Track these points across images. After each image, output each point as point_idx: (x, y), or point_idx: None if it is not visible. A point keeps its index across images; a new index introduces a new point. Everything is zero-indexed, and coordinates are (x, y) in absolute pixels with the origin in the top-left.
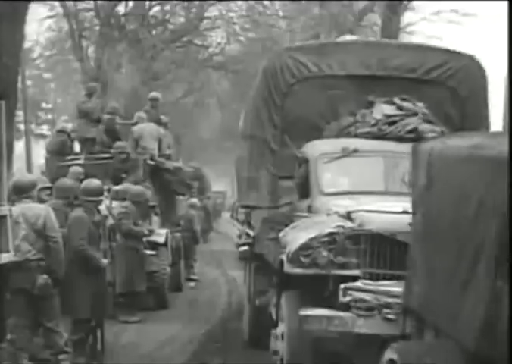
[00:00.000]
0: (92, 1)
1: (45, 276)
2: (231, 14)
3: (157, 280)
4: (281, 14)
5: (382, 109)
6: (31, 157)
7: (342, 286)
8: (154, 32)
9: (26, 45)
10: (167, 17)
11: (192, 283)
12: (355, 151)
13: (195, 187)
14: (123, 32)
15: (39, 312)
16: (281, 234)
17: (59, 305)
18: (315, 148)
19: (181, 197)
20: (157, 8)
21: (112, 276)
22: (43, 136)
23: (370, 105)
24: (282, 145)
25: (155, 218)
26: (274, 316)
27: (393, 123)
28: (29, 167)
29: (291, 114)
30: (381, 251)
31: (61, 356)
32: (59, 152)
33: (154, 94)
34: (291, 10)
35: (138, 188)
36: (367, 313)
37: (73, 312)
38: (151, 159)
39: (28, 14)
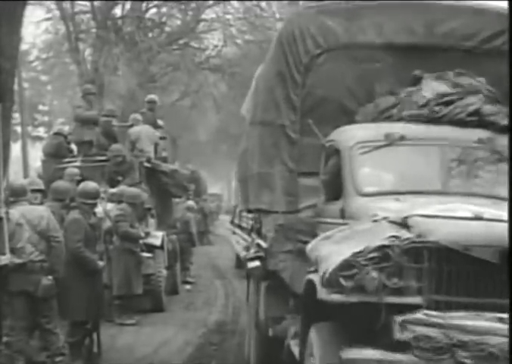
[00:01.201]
0: (88, 4)
1: (50, 277)
2: (228, 17)
3: (154, 283)
4: (278, 16)
5: (433, 87)
6: (28, 159)
7: (399, 318)
8: (150, 34)
9: (23, 47)
10: (164, 19)
11: (188, 286)
12: (402, 138)
13: (191, 190)
14: (120, 34)
15: (39, 314)
16: (309, 247)
17: (57, 307)
18: (349, 135)
19: (177, 199)
20: (153, 11)
21: (108, 278)
22: (40, 138)
23: (417, 81)
24: (302, 132)
25: (151, 221)
26: (296, 353)
27: (449, 103)
28: (25, 170)
29: (315, 93)
30: (451, 271)
31: (58, 359)
32: (55, 154)
33: (151, 96)
34: (288, 13)
35: (133, 190)
36: (435, 356)
37: (69, 314)
38: (148, 162)
39: (25, 17)
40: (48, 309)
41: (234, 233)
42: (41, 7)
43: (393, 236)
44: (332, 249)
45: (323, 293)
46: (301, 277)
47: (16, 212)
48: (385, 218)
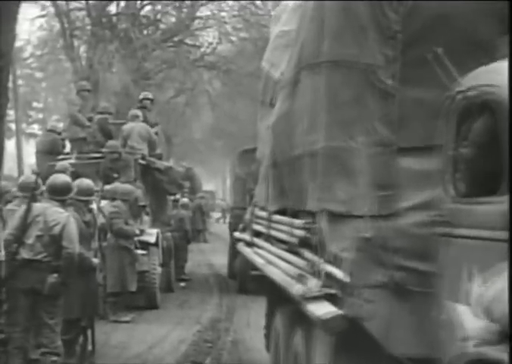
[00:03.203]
0: (83, 1)
1: (55, 275)
2: (223, 14)
3: (148, 280)
4: (273, 13)
5: None
6: (22, 156)
7: None
8: (145, 31)
9: (18, 44)
10: (159, 16)
11: (182, 284)
12: None
13: (186, 187)
14: (115, 31)
15: (42, 310)
16: (481, 292)
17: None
18: None
19: (177, 196)
20: (148, 8)
21: (103, 275)
22: (34, 135)
23: None
24: (404, 78)
25: (146, 218)
26: None
27: None
28: (20, 167)
29: (424, 10)
30: None
31: (53, 358)
32: (49, 151)
33: (143, 93)
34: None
35: (127, 187)
36: None
37: (63, 311)
38: (143, 159)
39: (19, 14)
40: (52, 307)
41: (251, 245)
42: (36, 4)
43: None
44: None
45: None
46: (406, 332)
47: (40, 207)
48: None
